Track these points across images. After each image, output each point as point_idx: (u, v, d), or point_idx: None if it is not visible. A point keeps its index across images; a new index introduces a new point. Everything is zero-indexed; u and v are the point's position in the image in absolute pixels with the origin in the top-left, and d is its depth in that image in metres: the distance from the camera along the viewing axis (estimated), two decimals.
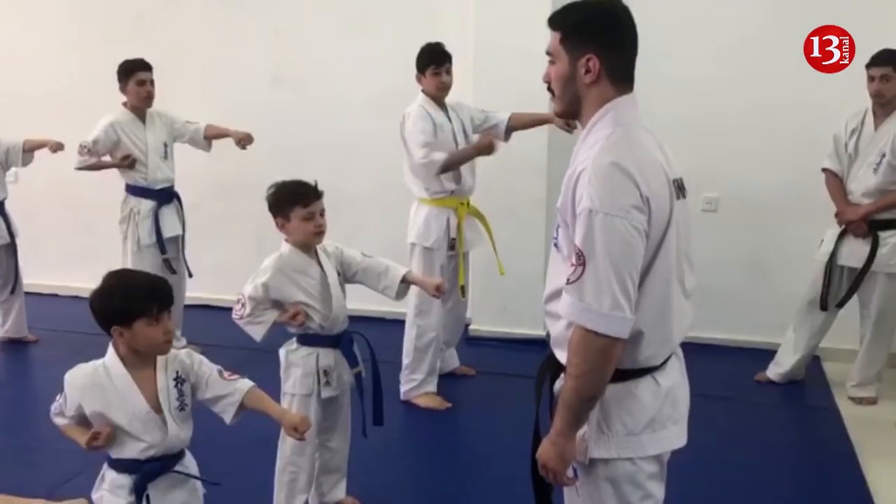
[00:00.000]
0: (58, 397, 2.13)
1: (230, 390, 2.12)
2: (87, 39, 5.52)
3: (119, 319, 2.00)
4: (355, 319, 2.94)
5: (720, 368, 4.33)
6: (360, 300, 3.21)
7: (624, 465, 1.70)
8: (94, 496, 2.14)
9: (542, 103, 4.24)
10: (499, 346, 4.78)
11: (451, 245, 3.99)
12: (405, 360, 4.01)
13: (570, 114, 1.74)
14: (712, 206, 4.63)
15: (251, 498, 2.92)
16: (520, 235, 4.57)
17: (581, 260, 1.56)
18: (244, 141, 4.49)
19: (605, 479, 1.71)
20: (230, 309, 2.71)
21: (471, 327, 4.85)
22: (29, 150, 4.64)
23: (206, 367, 2.15)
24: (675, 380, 1.76)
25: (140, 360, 2.07)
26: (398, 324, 4.18)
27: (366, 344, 2.88)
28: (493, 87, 4.45)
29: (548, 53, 1.73)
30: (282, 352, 2.78)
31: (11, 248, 4.73)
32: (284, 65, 5.25)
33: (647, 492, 1.74)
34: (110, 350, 2.09)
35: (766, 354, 4.40)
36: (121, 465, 2.08)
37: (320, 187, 2.73)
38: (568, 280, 1.60)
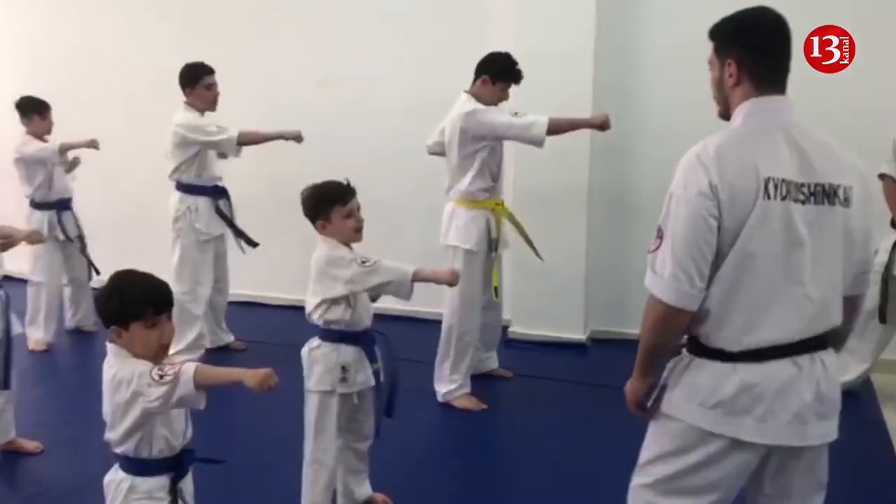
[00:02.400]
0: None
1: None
2: (140, 41, 5.68)
3: (116, 320, 2.00)
4: (385, 318, 2.92)
5: None
6: (390, 298, 3.22)
7: (688, 427, 1.81)
8: None
9: (582, 107, 4.26)
10: (537, 349, 4.76)
11: (493, 247, 3.98)
12: (445, 362, 4.00)
13: (726, 116, 1.89)
14: None
15: (281, 493, 2.97)
16: (560, 237, 4.55)
17: (659, 234, 1.79)
18: (294, 138, 4.44)
19: (667, 428, 1.87)
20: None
21: (509, 330, 4.84)
22: (63, 152, 4.74)
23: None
24: (764, 378, 1.76)
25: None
26: (428, 323, 4.17)
27: (386, 343, 2.84)
28: (535, 91, 4.45)
29: (710, 63, 1.93)
30: (304, 350, 2.78)
31: (80, 242, 4.91)
32: (329, 68, 5.32)
33: (695, 463, 1.80)
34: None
35: None
36: (154, 467, 2.03)
37: (359, 188, 2.75)
38: (649, 249, 1.81)
